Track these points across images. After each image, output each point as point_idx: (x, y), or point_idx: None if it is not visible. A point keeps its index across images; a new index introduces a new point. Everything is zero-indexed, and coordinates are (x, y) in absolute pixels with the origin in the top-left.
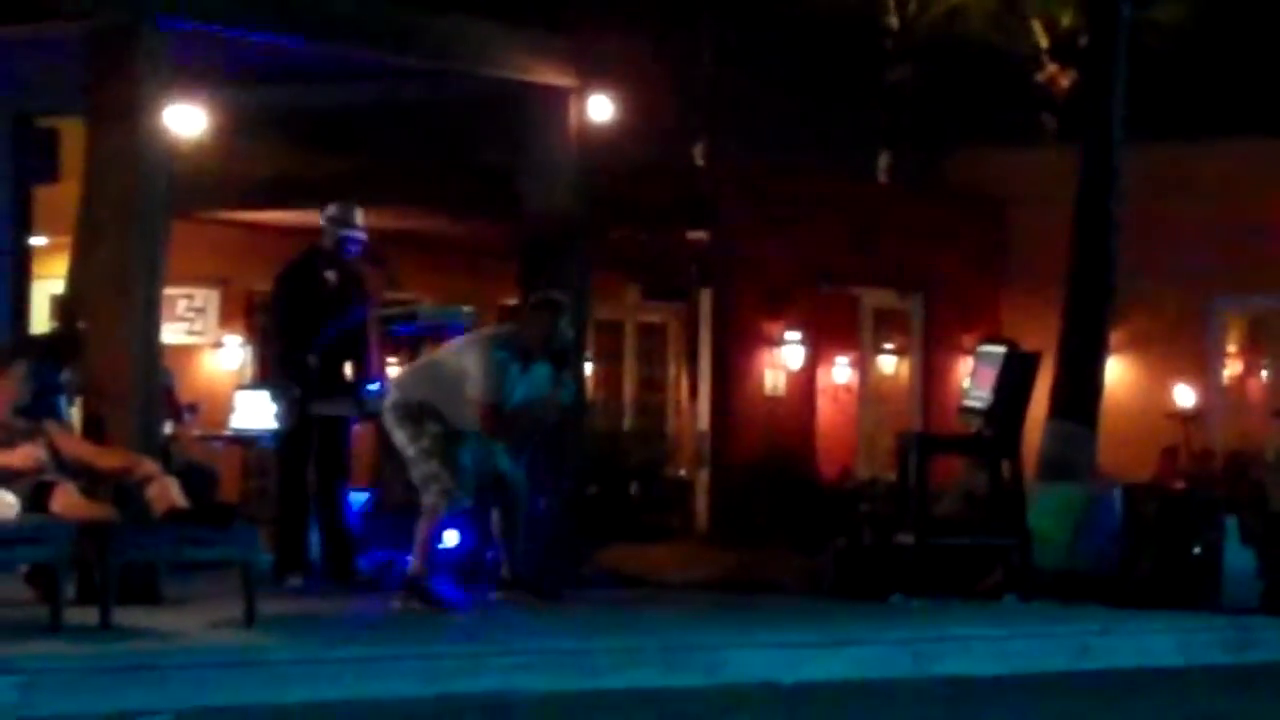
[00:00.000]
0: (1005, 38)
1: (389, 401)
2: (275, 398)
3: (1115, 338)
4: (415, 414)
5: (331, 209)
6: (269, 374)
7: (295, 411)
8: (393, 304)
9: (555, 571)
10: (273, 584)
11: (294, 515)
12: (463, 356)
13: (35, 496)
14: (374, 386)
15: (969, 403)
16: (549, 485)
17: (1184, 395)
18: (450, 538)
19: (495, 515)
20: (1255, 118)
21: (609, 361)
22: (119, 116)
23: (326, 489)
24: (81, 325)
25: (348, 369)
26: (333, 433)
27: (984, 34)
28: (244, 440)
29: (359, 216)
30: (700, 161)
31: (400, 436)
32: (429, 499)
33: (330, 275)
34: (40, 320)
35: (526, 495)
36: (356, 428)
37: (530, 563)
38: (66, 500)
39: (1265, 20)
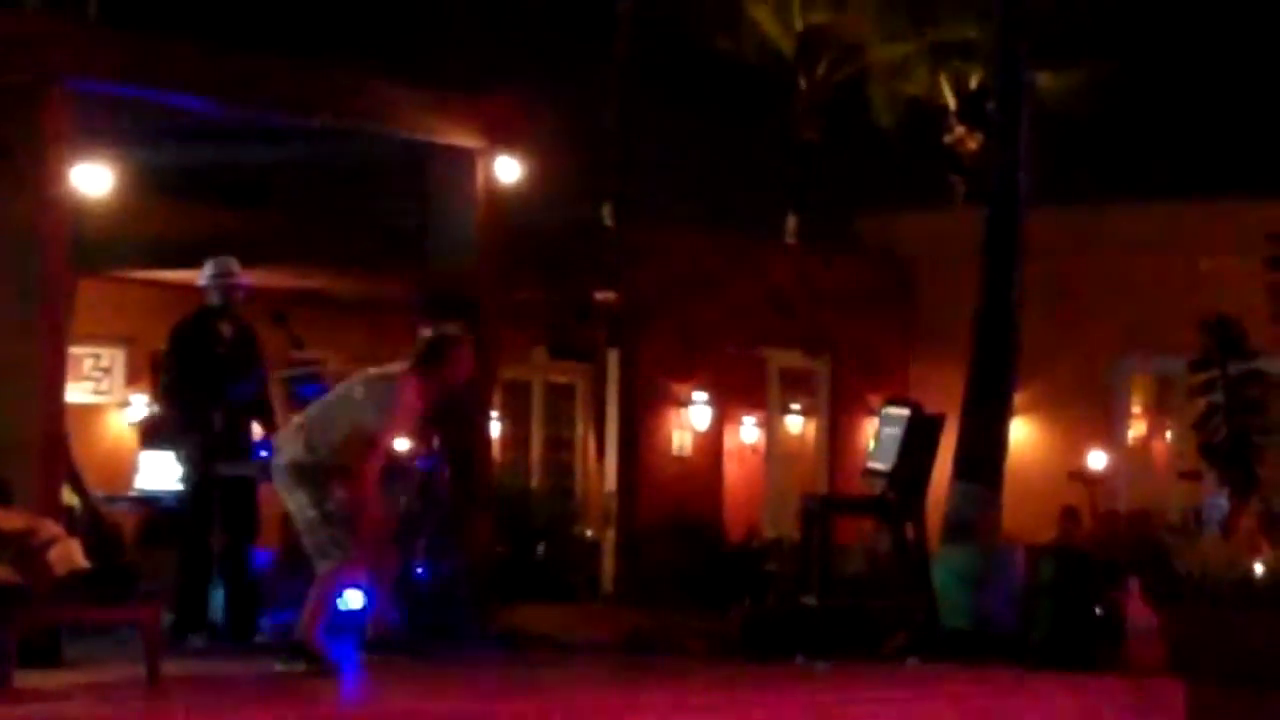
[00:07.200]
0: (914, 99)
1: (284, 461)
2: (179, 457)
3: (1020, 399)
4: (316, 475)
5: (209, 266)
6: (170, 431)
7: (198, 469)
8: (297, 364)
9: (457, 630)
10: (173, 643)
11: (196, 575)
12: (366, 401)
13: None
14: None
15: (873, 465)
16: (454, 545)
17: (1089, 457)
18: (354, 599)
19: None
20: (1158, 180)
21: (516, 421)
22: (24, 176)
23: (233, 549)
24: None
25: (255, 429)
26: (239, 493)
27: (892, 93)
28: (148, 501)
29: (236, 266)
30: (608, 222)
31: (300, 498)
32: (327, 564)
33: (225, 329)
34: None
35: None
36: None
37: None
38: None
39: (1171, 87)
